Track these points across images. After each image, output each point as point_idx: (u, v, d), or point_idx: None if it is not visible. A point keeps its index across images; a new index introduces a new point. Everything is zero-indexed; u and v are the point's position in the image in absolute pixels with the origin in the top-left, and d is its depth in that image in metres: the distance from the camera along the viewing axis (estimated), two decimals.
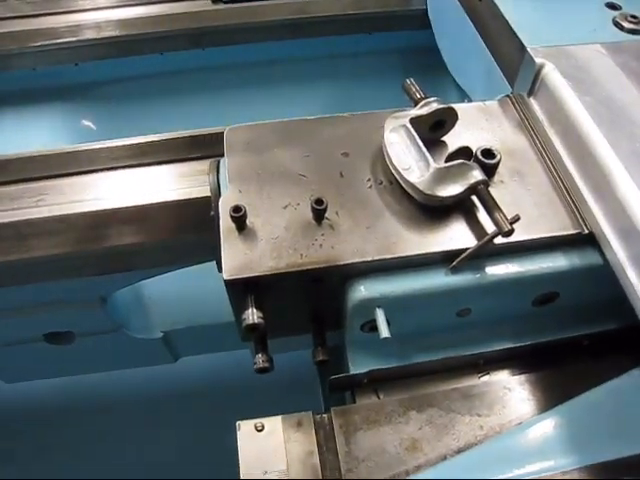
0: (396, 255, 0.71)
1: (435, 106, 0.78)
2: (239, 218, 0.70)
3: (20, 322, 1.25)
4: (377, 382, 0.80)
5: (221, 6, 1.31)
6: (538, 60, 0.85)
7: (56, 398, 1.65)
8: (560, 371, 0.82)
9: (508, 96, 0.91)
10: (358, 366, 0.79)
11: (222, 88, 1.51)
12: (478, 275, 0.73)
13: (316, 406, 0.86)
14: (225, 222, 0.72)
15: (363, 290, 0.71)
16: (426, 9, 1.33)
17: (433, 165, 0.72)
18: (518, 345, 0.82)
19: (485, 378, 0.82)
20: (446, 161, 0.75)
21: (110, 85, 1.49)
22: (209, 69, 1.47)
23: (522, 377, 0.81)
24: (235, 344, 1.05)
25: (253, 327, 0.68)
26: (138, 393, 1.64)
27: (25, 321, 1.25)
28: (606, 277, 0.72)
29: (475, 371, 0.82)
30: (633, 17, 0.92)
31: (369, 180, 0.78)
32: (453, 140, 0.83)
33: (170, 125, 1.31)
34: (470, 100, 1.17)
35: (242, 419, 0.75)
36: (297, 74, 1.52)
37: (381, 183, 0.77)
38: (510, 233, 0.69)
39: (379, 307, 0.71)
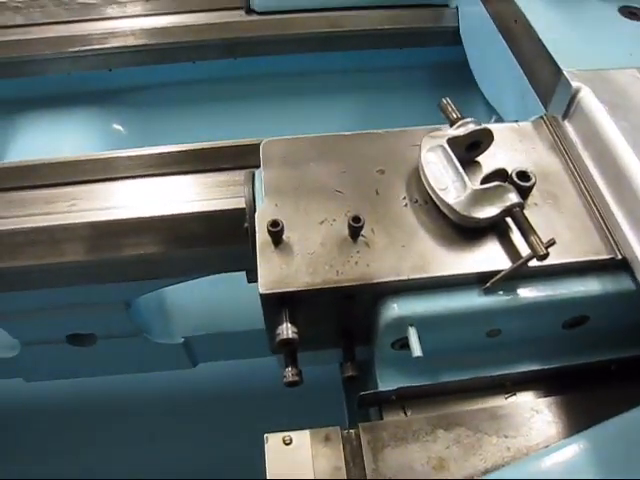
0: (430, 275, 0.71)
1: (472, 127, 0.79)
2: (276, 233, 0.71)
3: (43, 322, 1.26)
4: (405, 399, 0.80)
5: (254, 17, 1.32)
6: (574, 84, 0.86)
7: (74, 398, 1.66)
8: (588, 395, 0.82)
9: (542, 118, 0.92)
10: (386, 383, 0.79)
11: (253, 98, 1.52)
12: (511, 297, 0.73)
13: (336, 418, 0.87)
14: (262, 236, 0.73)
15: (396, 308, 0.71)
16: (458, 26, 1.33)
17: (470, 186, 0.72)
18: (546, 367, 0.82)
19: (512, 399, 0.82)
20: (482, 182, 0.76)
21: (141, 91, 1.51)
22: (240, 79, 1.49)
23: (549, 399, 0.81)
24: (254, 352, 1.06)
25: (287, 342, 0.69)
26: (156, 396, 1.65)
27: (48, 322, 1.26)
28: (638, 303, 0.73)
29: (502, 392, 0.82)
30: None
31: (404, 198, 0.78)
32: (487, 160, 0.83)
33: (199, 132, 1.33)
34: (499, 118, 1.17)
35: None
36: (328, 86, 1.53)
37: (416, 202, 0.78)
38: (545, 257, 0.69)
39: (411, 325, 0.71)
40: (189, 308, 1.40)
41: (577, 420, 0.79)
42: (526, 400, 0.81)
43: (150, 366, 1.49)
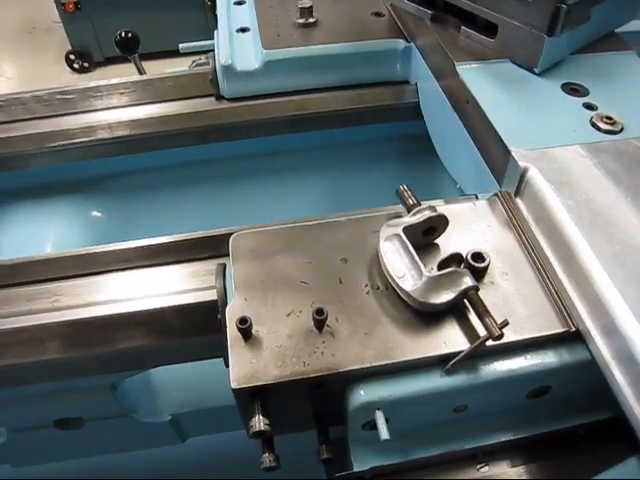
0: (393, 360, 0.75)
1: (427, 214, 0.84)
2: (245, 329, 0.75)
3: (31, 410, 1.28)
4: (380, 477, 0.83)
5: (224, 104, 1.38)
6: (522, 164, 0.91)
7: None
8: (558, 461, 0.85)
9: (497, 195, 0.97)
10: (361, 462, 0.82)
11: (227, 179, 1.58)
12: (472, 375, 0.77)
13: None
14: (232, 331, 0.77)
15: (363, 394, 0.75)
16: (418, 102, 1.40)
17: (425, 274, 0.77)
18: (516, 437, 0.85)
19: (484, 470, 0.85)
20: (438, 267, 0.80)
21: (118, 178, 1.56)
22: (214, 162, 1.55)
23: (520, 469, 0.84)
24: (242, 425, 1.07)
25: (260, 433, 0.72)
26: (146, 472, 1.64)
27: (35, 408, 1.28)
28: (596, 371, 0.76)
29: (474, 463, 0.85)
30: (608, 118, 0.98)
31: (366, 285, 0.83)
32: (445, 241, 0.88)
33: (175, 214, 1.38)
34: (461, 188, 1.23)
35: None
36: (298, 164, 1.59)
37: (378, 288, 0.82)
38: (500, 337, 0.73)
39: (379, 409, 0.75)
40: (175, 386, 1.42)
41: None
42: (497, 471, 0.84)
43: (138, 445, 1.50)
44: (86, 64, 4.54)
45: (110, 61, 4.49)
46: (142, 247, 1.05)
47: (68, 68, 4.57)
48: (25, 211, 1.53)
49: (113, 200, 1.59)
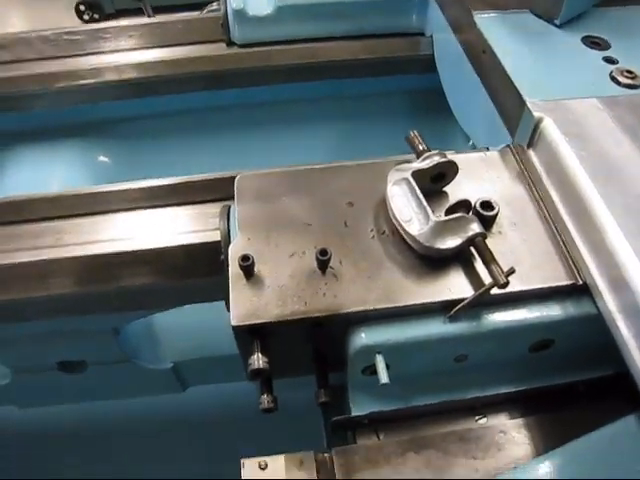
0: (396, 304, 0.74)
1: (437, 159, 0.82)
2: (247, 267, 0.74)
3: (35, 351, 1.29)
4: (377, 423, 0.83)
5: (235, 49, 1.36)
6: (536, 114, 0.89)
7: (66, 423, 1.67)
8: (556, 416, 0.84)
9: (509, 146, 0.95)
10: (359, 407, 0.82)
11: (236, 127, 1.56)
12: (475, 324, 0.76)
13: (321, 438, 0.89)
14: (234, 269, 0.76)
15: (364, 337, 0.74)
16: (433, 54, 1.37)
17: (432, 218, 0.75)
18: (515, 390, 0.85)
19: (482, 421, 0.85)
20: (446, 213, 0.79)
21: (126, 123, 1.54)
22: (222, 109, 1.52)
23: (519, 421, 0.83)
24: (243, 375, 1.07)
25: (258, 372, 0.71)
26: (146, 420, 1.66)
27: (39, 350, 1.29)
28: (601, 325, 0.75)
29: (472, 414, 0.85)
30: (629, 72, 0.95)
31: (372, 230, 0.81)
32: (454, 190, 0.87)
33: (183, 161, 1.36)
34: (474, 145, 1.21)
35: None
36: (308, 114, 1.57)
37: (383, 233, 0.81)
38: (505, 285, 0.72)
39: (379, 353, 0.74)
40: (178, 333, 1.43)
41: (546, 441, 0.81)
42: (496, 422, 0.84)
43: (140, 391, 1.51)
44: (96, 15, 4.46)
45: (121, 13, 4.40)
46: (147, 188, 1.04)
47: (78, 20, 4.50)
48: (31, 154, 1.52)
49: (121, 145, 1.57)
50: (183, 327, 1.41)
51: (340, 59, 1.35)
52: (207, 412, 1.63)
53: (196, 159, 1.34)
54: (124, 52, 1.38)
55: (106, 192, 1.04)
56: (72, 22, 4.45)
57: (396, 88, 1.52)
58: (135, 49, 1.38)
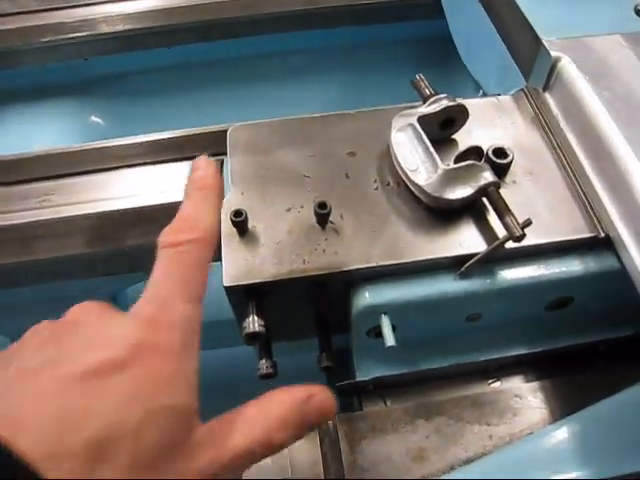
0: (402, 260, 0.68)
1: (445, 103, 0.75)
2: (240, 222, 0.68)
3: (28, 318, 1.24)
4: (384, 388, 0.78)
5: None
6: (554, 53, 0.82)
7: None
8: (575, 378, 0.79)
9: (523, 90, 0.88)
10: (364, 372, 0.77)
11: (233, 81, 1.48)
12: (488, 280, 0.70)
13: None
14: (226, 226, 0.70)
15: (368, 296, 0.68)
16: None
17: (441, 166, 0.69)
18: (531, 351, 0.79)
19: (496, 385, 0.80)
20: (455, 161, 0.72)
21: (118, 80, 1.47)
22: (218, 62, 1.44)
23: (535, 384, 0.78)
24: (238, 340, 1.03)
25: (254, 335, 0.66)
26: None
27: (33, 317, 1.24)
28: (624, 281, 0.69)
29: (485, 378, 0.80)
30: None
31: (375, 181, 0.75)
32: (465, 138, 0.80)
33: (178, 119, 1.29)
34: (485, 93, 1.13)
35: None
36: (308, 65, 1.49)
37: (388, 184, 0.75)
38: (521, 238, 0.66)
39: (385, 314, 0.69)
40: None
41: (564, 405, 0.77)
42: (510, 386, 0.78)
43: None
44: None
45: None
46: (137, 144, 0.98)
47: None
48: (18, 115, 1.45)
49: (113, 105, 1.50)
50: None
51: (341, 4, 1.27)
52: (206, 378, 1.59)
53: (194, 116, 1.26)
54: (113, 3, 1.30)
55: (93, 149, 0.98)
56: None
57: (401, 36, 1.43)
58: (124, 0, 1.30)
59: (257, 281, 0.67)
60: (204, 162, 0.53)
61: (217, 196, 0.50)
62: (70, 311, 0.45)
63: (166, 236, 0.46)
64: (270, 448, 0.43)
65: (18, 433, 0.32)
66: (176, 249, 0.45)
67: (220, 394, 1.54)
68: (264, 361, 0.74)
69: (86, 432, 0.34)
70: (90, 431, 0.34)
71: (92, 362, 0.37)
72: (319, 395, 0.46)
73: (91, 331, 0.41)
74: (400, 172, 0.73)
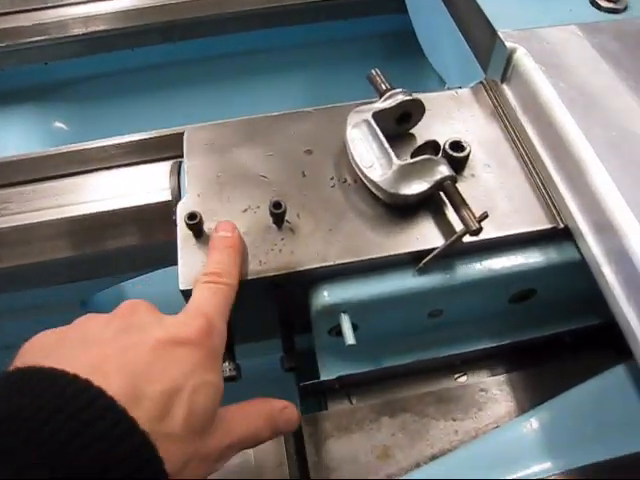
0: (360, 258, 0.67)
1: (400, 98, 0.75)
2: (194, 225, 0.67)
3: None
4: (349, 387, 0.78)
5: None
6: (509, 44, 0.81)
7: None
8: (541, 370, 0.79)
9: (482, 82, 0.88)
10: (328, 371, 0.76)
11: (197, 82, 1.46)
12: (448, 275, 0.69)
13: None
14: (182, 229, 0.69)
15: (326, 295, 0.68)
16: None
17: (396, 162, 0.68)
18: (497, 344, 0.79)
19: (462, 379, 0.79)
20: (412, 156, 0.72)
21: (81, 84, 1.44)
22: (182, 63, 1.43)
23: (501, 378, 0.78)
24: None
25: None
26: None
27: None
28: (585, 272, 0.69)
29: (451, 372, 0.80)
30: None
31: (332, 179, 0.74)
32: (422, 132, 0.80)
33: (142, 121, 1.28)
34: (449, 88, 1.13)
35: None
36: (273, 65, 1.48)
37: (345, 181, 0.74)
38: (478, 232, 0.66)
39: (344, 312, 0.68)
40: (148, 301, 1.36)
41: (530, 397, 0.77)
42: (476, 380, 0.78)
43: None
44: None
45: None
46: (97, 148, 0.96)
47: None
48: None
49: (77, 109, 1.47)
50: (153, 296, 1.35)
51: (305, 1, 1.26)
52: None
53: (157, 118, 1.25)
54: (72, 6, 1.28)
55: (51, 155, 0.96)
56: None
57: (367, 31, 1.42)
58: (85, 2, 1.28)
59: None
60: (231, 226, 0.66)
61: (240, 254, 0.65)
62: (122, 305, 0.55)
63: (210, 276, 0.60)
64: (255, 443, 0.56)
65: (105, 380, 0.42)
66: (217, 286, 0.59)
67: None
68: (227, 364, 0.73)
69: (160, 385, 0.45)
70: (163, 385, 0.45)
71: (164, 335, 0.49)
72: (289, 408, 0.59)
73: (150, 316, 0.53)
74: (356, 169, 0.72)
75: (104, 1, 1.28)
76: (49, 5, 1.27)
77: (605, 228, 0.66)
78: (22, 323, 1.23)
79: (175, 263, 1.00)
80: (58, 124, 1.50)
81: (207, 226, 0.70)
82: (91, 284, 1.14)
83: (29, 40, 1.24)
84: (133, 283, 1.20)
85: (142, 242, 0.93)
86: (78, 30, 1.24)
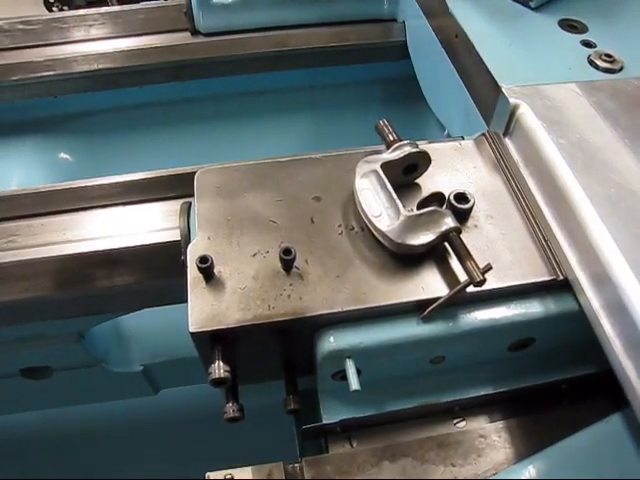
0: (366, 305, 0.69)
1: (407, 150, 0.77)
2: (206, 268, 0.69)
3: None
4: (350, 430, 0.78)
5: (200, 39, 1.30)
6: (512, 100, 0.85)
7: (35, 428, 1.61)
8: (538, 417, 0.80)
9: (484, 135, 0.90)
10: (331, 414, 0.77)
11: (202, 120, 1.50)
12: (451, 324, 0.71)
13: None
14: (193, 271, 0.71)
15: (332, 341, 0.69)
16: (406, 41, 1.32)
17: (403, 213, 0.71)
18: (496, 391, 0.81)
19: (461, 425, 0.80)
20: (418, 207, 0.74)
21: (88, 117, 1.47)
22: (189, 101, 1.46)
23: (499, 424, 0.79)
24: None
25: (219, 381, 0.66)
26: (118, 424, 1.61)
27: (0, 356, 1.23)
28: (583, 322, 0.71)
29: (451, 417, 0.81)
30: (608, 56, 0.91)
31: (340, 226, 0.76)
32: (427, 182, 0.82)
33: (147, 157, 1.30)
34: (449, 134, 1.16)
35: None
36: (278, 105, 1.51)
37: (352, 229, 0.76)
38: (482, 283, 0.68)
39: (349, 358, 0.69)
40: (147, 335, 1.37)
41: (528, 444, 0.78)
42: (475, 426, 0.79)
43: (111, 395, 1.45)
44: (66, 7, 4.33)
45: (92, 5, 4.29)
46: (106, 185, 0.98)
47: (46, 11, 4.37)
48: None
49: (82, 141, 1.50)
50: (152, 329, 1.36)
51: (310, 47, 1.30)
52: (181, 414, 1.57)
53: (162, 154, 1.28)
54: (84, 42, 1.31)
55: (60, 190, 0.98)
56: (41, 13, 4.32)
57: (369, 76, 1.47)
58: (95, 39, 1.32)
59: (222, 327, 0.67)
60: None
61: None
62: None
63: None
64: None
65: None
66: None
67: (201, 428, 1.53)
68: (230, 404, 0.74)
69: None
70: None
71: None
72: None
73: None
74: (364, 217, 0.74)
75: (115, 39, 1.31)
76: (62, 41, 1.29)
77: (604, 281, 0.69)
78: (16, 355, 1.24)
79: (174, 302, 1.03)
80: (64, 155, 1.51)
81: (217, 269, 0.71)
82: (86, 319, 1.15)
83: (39, 74, 1.26)
84: (129, 317, 1.21)
85: (145, 281, 0.94)
86: (88, 66, 1.27)
